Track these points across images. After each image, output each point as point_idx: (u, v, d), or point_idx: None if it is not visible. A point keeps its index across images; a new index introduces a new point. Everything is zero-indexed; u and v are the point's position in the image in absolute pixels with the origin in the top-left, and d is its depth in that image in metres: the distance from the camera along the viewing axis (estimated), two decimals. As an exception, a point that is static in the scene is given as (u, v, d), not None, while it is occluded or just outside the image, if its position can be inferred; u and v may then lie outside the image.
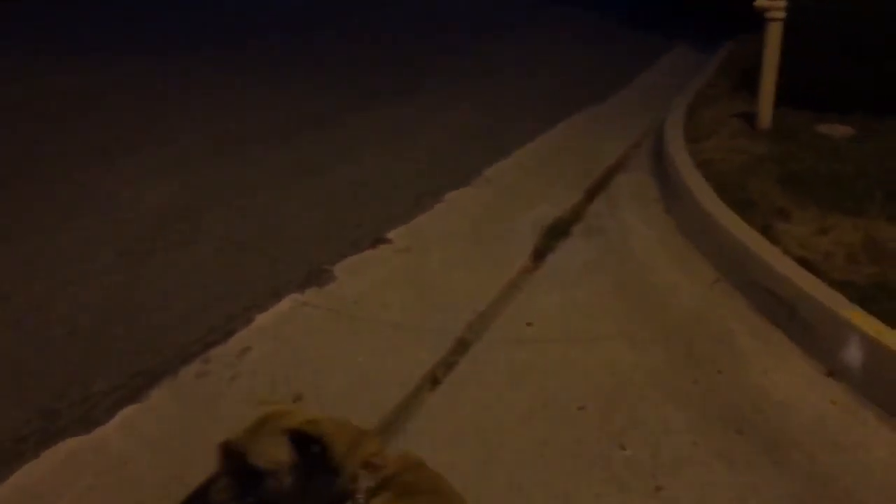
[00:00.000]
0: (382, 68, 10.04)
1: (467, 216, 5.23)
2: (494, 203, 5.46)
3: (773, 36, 6.09)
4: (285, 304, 4.05)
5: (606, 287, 4.25)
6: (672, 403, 3.21)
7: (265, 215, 5.23)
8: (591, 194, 5.67)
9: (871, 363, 3.24)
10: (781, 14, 6.02)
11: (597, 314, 3.97)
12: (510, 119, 7.70)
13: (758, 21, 6.13)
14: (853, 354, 3.31)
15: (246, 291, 4.17)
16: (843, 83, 6.47)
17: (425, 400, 3.28)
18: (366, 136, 7.04)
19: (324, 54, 10.87)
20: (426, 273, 4.42)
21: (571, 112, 7.89)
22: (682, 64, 10.45)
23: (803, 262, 3.95)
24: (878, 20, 6.35)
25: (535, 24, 14.29)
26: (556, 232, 4.94)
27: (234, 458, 1.70)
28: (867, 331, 3.27)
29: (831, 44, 6.52)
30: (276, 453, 1.70)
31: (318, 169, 6.14)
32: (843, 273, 3.84)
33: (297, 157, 6.44)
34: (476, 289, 4.21)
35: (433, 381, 3.42)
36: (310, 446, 1.70)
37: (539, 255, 4.67)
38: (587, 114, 7.96)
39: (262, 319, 3.89)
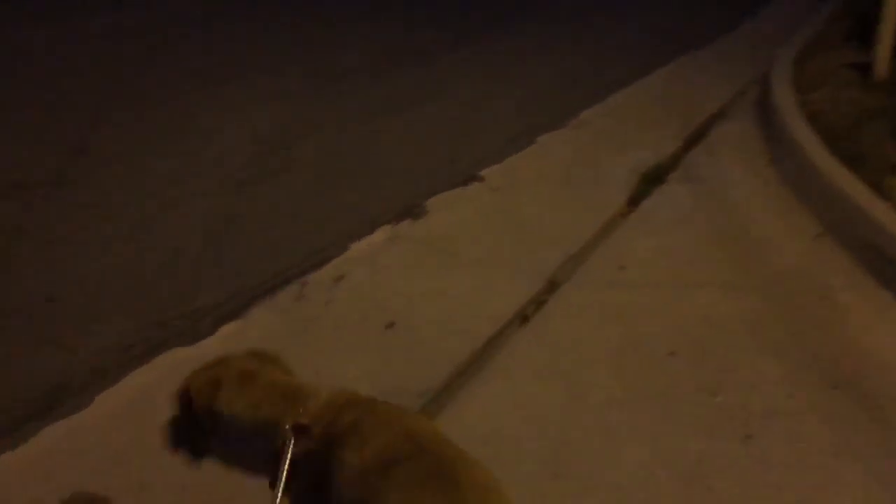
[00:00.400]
0: (479, 6, 9.90)
1: (561, 158, 5.17)
2: (589, 147, 5.38)
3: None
4: (379, 235, 4.12)
5: (703, 235, 4.16)
6: (767, 354, 3.15)
7: (360, 148, 5.29)
8: (691, 142, 5.53)
9: (985, 327, 3.10)
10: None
11: (692, 261, 3.90)
12: (607, 63, 7.53)
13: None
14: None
15: (342, 221, 4.25)
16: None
17: (514, 336, 3.30)
18: (461, 74, 7.01)
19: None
20: (518, 213, 4.41)
21: (672, 58, 7.66)
22: (792, 10, 9.95)
23: (916, 221, 3.78)
24: None
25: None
26: (653, 178, 4.85)
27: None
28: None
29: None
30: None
31: (413, 104, 6.15)
32: (959, 234, 3.65)
33: (392, 92, 6.46)
34: (568, 231, 4.19)
35: (523, 318, 3.44)
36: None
37: (634, 200, 4.59)
38: (689, 59, 7.71)
39: (357, 248, 3.97)
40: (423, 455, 1.46)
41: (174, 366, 2.98)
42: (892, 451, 2.62)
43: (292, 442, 1.52)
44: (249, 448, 1.64)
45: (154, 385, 2.86)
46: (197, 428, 1.70)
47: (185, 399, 1.71)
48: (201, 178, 4.73)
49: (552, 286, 3.69)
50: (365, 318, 3.38)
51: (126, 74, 6.77)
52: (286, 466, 1.50)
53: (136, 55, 7.44)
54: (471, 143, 5.38)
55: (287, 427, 1.55)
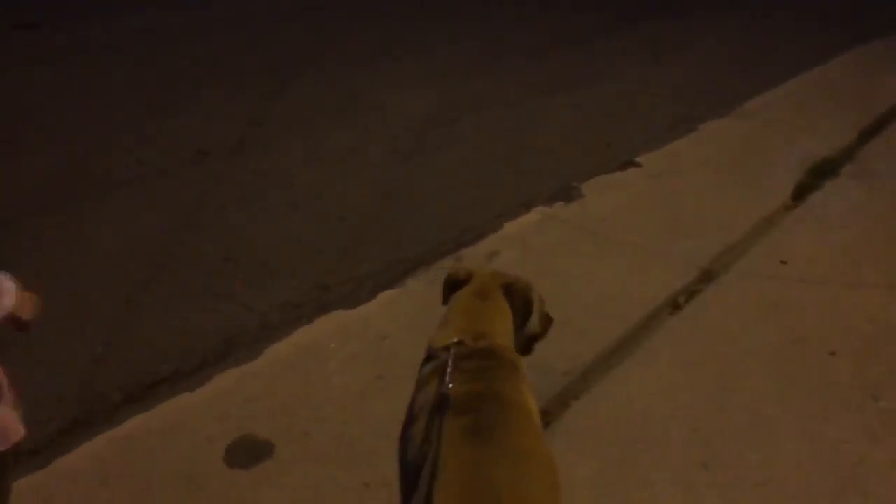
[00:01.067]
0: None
1: (724, 147, 5.02)
2: (755, 136, 5.19)
3: None
4: (533, 215, 4.17)
5: (876, 233, 3.95)
6: (938, 361, 2.97)
7: (519, 127, 5.35)
8: (867, 134, 5.21)
9: None
10: None
11: (861, 260, 3.71)
12: (778, 49, 7.20)
13: None
14: None
15: (497, 199, 4.34)
16: None
17: (665, 322, 3.28)
18: (622, 57, 6.92)
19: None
20: (675, 199, 4.34)
21: (849, 46, 7.20)
22: None
23: None
24: None
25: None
26: (823, 171, 4.63)
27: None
28: None
29: None
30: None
31: (573, 86, 6.14)
32: None
33: (552, 74, 6.47)
34: (727, 220, 4.09)
35: (674, 305, 3.40)
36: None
37: (800, 193, 4.41)
38: (868, 48, 7.23)
39: (510, 227, 4.04)
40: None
41: (336, 327, 3.18)
42: None
43: None
44: None
45: (318, 342, 3.07)
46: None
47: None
48: (368, 152, 4.95)
49: (708, 276, 3.62)
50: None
51: (293, 53, 7.13)
52: None
53: (296, 35, 7.80)
54: (629, 128, 5.32)
55: None
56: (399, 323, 3.20)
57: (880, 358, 3.02)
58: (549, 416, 2.80)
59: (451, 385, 1.57)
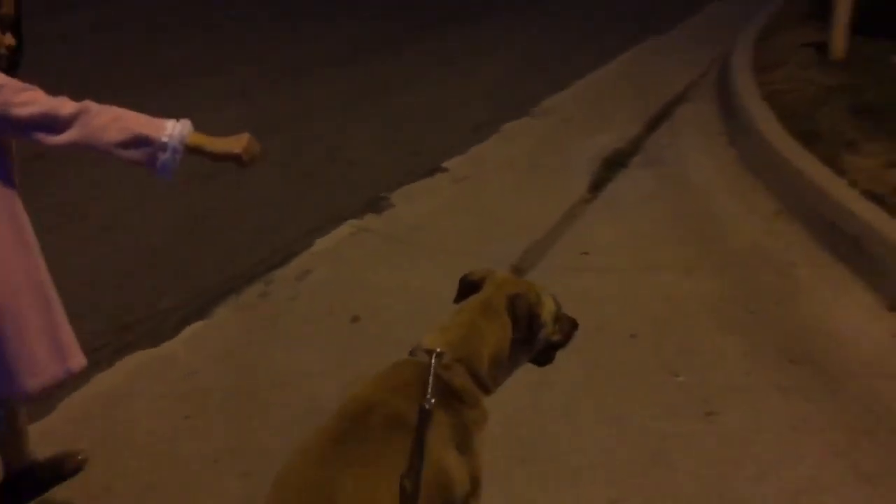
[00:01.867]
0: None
1: (525, 147, 5.20)
2: (552, 134, 5.42)
3: (850, -40, 5.83)
4: (344, 229, 4.13)
5: (665, 217, 4.21)
6: (726, 332, 3.20)
7: (323, 143, 5.28)
8: (652, 125, 5.58)
9: (936, 297, 3.18)
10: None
11: (654, 244, 3.95)
12: (571, 49, 7.57)
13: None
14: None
15: (306, 216, 4.26)
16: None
17: (480, 324, 3.33)
18: (422, 66, 7.01)
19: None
20: (483, 202, 4.44)
21: (634, 43, 7.71)
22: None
23: (870, 196, 3.85)
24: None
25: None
26: (615, 163, 4.90)
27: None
28: (934, 265, 3.19)
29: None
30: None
31: (378, 97, 6.15)
32: (913, 207, 3.73)
33: (352, 88, 6.45)
34: (533, 218, 4.22)
35: (488, 306, 3.46)
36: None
37: (597, 185, 4.64)
38: (651, 44, 7.77)
39: (321, 244, 3.98)
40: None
41: (138, 368, 2.99)
42: (847, 424, 2.68)
43: None
44: None
45: (119, 388, 2.87)
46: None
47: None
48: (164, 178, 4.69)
49: (518, 273, 3.71)
50: (330, 312, 3.39)
51: (84, 74, 6.70)
52: None
53: (90, 54, 7.36)
54: (435, 135, 5.40)
55: None
56: (208, 356, 3.06)
57: (677, 335, 3.22)
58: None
59: (433, 400, 1.56)
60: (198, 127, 1.97)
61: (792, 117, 4.96)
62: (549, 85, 6.40)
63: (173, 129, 1.86)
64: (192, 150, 1.90)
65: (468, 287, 1.98)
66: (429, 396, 1.58)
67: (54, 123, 1.77)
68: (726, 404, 2.80)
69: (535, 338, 1.94)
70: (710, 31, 8.27)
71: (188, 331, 3.23)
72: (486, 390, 1.82)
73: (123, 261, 3.81)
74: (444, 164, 4.87)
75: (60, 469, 2.44)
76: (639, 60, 7.25)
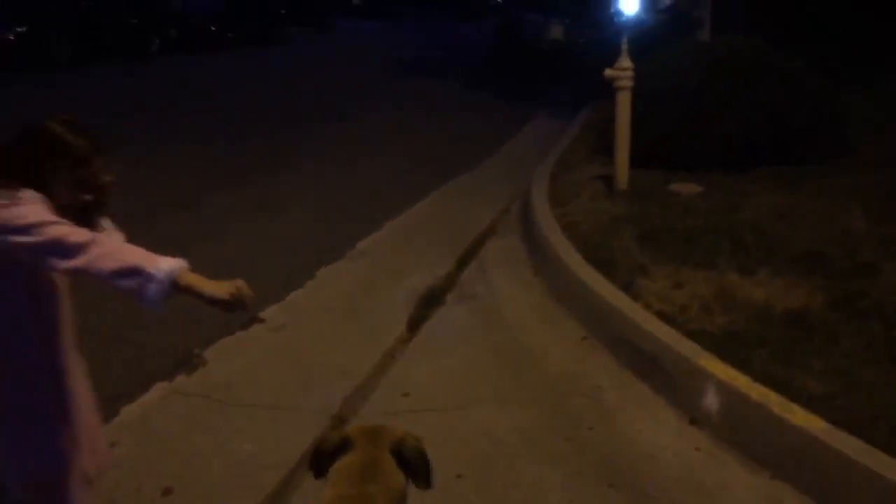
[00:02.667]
0: (243, 145, 9.95)
1: (341, 290, 5.23)
2: (368, 276, 5.49)
3: (623, 103, 6.51)
4: (154, 393, 3.91)
5: (480, 352, 4.33)
6: (546, 463, 3.28)
7: (125, 302, 5.02)
8: (463, 261, 5.80)
9: (728, 408, 3.43)
10: (629, 83, 6.44)
11: (471, 380, 4.03)
12: (382, 189, 7.82)
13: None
14: (711, 401, 3.49)
15: (111, 383, 3.98)
16: (689, 143, 6.96)
17: (301, 482, 3.21)
18: (230, 214, 6.91)
19: (180, 132, 10.73)
20: (301, 351, 4.38)
21: (440, 182, 8.09)
22: (543, 131, 10.94)
23: (662, 316, 4.17)
24: (705, 91, 6.95)
25: (396, 97, 14.61)
26: (431, 300, 5.01)
27: None
28: (722, 378, 3.46)
29: (676, 107, 7.02)
30: None
31: (178, 251, 5.94)
32: (698, 323, 4.06)
33: (154, 240, 6.20)
34: (352, 362, 4.20)
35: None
36: None
37: (414, 324, 4.71)
38: (458, 182, 8.18)
39: (128, 412, 3.73)
40: None
41: None
42: (663, 543, 2.79)
43: None
44: None
45: None
46: None
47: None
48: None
49: (340, 422, 3.65)
50: (139, 487, 3.16)
51: None
52: None
53: None
54: (249, 285, 5.29)
55: None
56: None
57: (499, 470, 3.25)
58: None
59: None
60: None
61: (589, 246, 5.33)
62: (363, 225, 6.53)
63: (164, 265, 1.99)
64: (181, 289, 2.00)
65: (328, 457, 1.87)
66: None
67: (66, 250, 1.96)
68: (552, 538, 2.83)
69: (427, 478, 1.89)
70: (510, 167, 8.85)
71: None
72: None
73: None
74: (261, 315, 4.78)
75: None
76: (447, 198, 7.59)
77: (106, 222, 2.38)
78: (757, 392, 3.31)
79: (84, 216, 2.22)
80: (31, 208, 2.01)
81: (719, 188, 6.40)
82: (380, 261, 5.80)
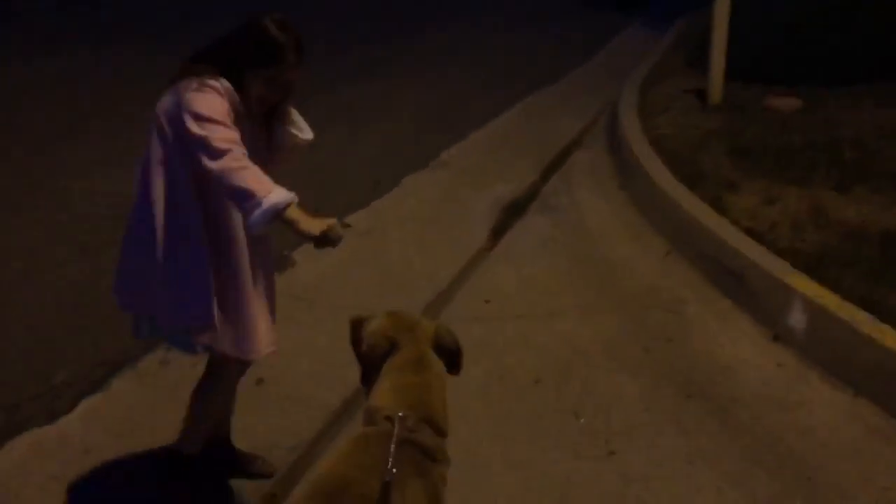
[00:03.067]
0: (332, 52, 9.97)
1: (425, 199, 5.29)
2: (452, 185, 5.52)
3: (721, 13, 6.23)
4: (246, 290, 4.07)
5: (562, 263, 4.35)
6: (624, 372, 3.32)
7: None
8: (548, 173, 5.76)
9: (814, 327, 3.37)
10: (728, -12, 6.15)
11: (552, 290, 4.06)
12: (467, 101, 7.76)
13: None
14: (797, 319, 3.44)
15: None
16: (790, 57, 6.64)
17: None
18: (321, 120, 6.97)
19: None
20: (386, 255, 4.48)
21: (528, 92, 7.97)
22: (636, 42, 10.58)
23: (750, 233, 4.08)
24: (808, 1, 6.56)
25: (488, 5, 14.29)
26: (513, 211, 5.03)
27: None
28: (810, 296, 3.40)
29: (776, 19, 6.68)
30: None
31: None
32: (788, 241, 3.97)
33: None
34: (435, 269, 4.28)
35: (394, 360, 3.48)
36: None
37: (496, 234, 4.75)
38: (544, 94, 8.05)
39: (222, 307, 3.91)
40: None
41: (32, 448, 2.86)
42: (738, 453, 2.82)
43: None
44: None
45: (12, 471, 2.73)
46: None
47: None
48: (55, 248, 4.55)
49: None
50: (234, 378, 3.33)
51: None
52: None
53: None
54: (337, 190, 5.42)
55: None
56: (106, 432, 2.96)
57: (578, 378, 3.31)
58: (276, 498, 2.73)
59: (394, 471, 1.62)
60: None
61: (677, 161, 5.22)
62: (448, 135, 6.53)
63: (274, 197, 2.09)
64: (285, 221, 2.12)
65: (378, 359, 2.03)
66: (390, 468, 1.62)
67: (208, 151, 2.10)
68: (627, 443, 2.89)
69: (460, 362, 2.07)
70: (598, 79, 8.64)
71: (84, 405, 3.11)
72: (446, 435, 1.92)
73: (10, 338, 3.65)
74: (346, 220, 4.88)
75: (252, 466, 2.76)
76: (532, 110, 7.49)
77: (296, 115, 2.54)
78: (846, 311, 3.24)
79: (271, 112, 2.41)
80: (209, 99, 2.15)
81: (820, 103, 6.11)
82: (464, 170, 5.81)
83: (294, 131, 2.52)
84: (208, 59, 2.27)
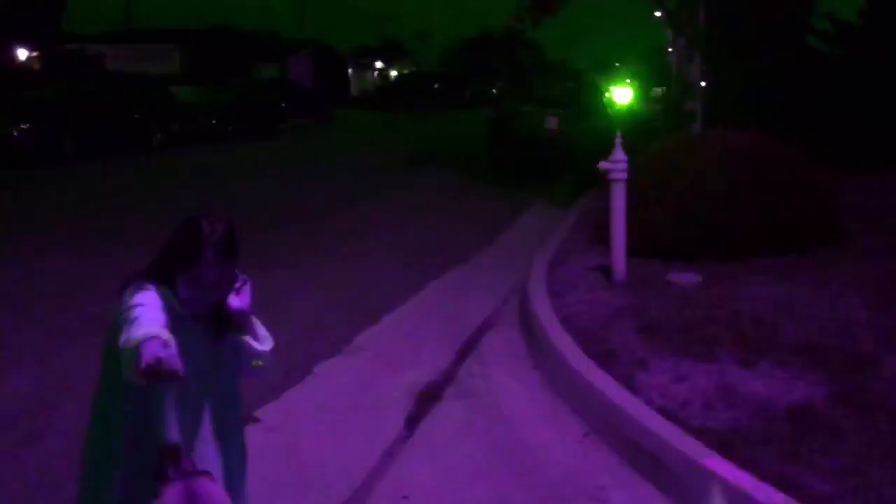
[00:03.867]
0: (247, 244, 9.99)
1: (338, 387, 5.17)
2: (365, 372, 5.44)
3: (618, 195, 6.60)
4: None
5: (480, 450, 4.25)
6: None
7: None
8: (462, 355, 5.75)
9: (735, 509, 3.34)
10: (623, 174, 6.55)
11: (472, 481, 3.94)
12: (377, 283, 7.81)
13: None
14: (718, 503, 3.40)
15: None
16: (681, 235, 7.03)
17: None
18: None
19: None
20: (297, 452, 4.29)
21: (439, 273, 8.11)
22: (540, 221, 11.05)
23: (663, 411, 4.11)
24: (701, 182, 7.07)
25: (390, 189, 14.75)
26: (429, 397, 4.95)
27: None
28: (727, 478, 3.38)
29: (667, 198, 7.12)
30: None
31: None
32: (701, 420, 4.01)
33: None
34: (349, 464, 4.12)
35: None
36: None
37: (412, 422, 4.64)
38: (454, 275, 8.20)
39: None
40: None
41: None
42: None
43: None
44: None
45: None
46: None
47: None
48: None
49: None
50: None
51: None
52: None
53: None
54: (245, 384, 5.23)
55: None
56: None
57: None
58: None
59: None
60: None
61: (588, 339, 5.30)
62: (361, 320, 6.51)
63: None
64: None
65: None
66: None
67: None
68: None
69: None
70: (508, 258, 8.88)
71: None
72: None
73: None
74: (256, 414, 4.70)
75: None
76: (444, 291, 7.59)
77: (257, 324, 2.65)
78: (764, 493, 3.23)
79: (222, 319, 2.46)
80: (137, 295, 2.20)
81: (717, 278, 6.42)
82: (378, 356, 5.76)
83: (249, 339, 2.53)
84: (147, 268, 2.35)
